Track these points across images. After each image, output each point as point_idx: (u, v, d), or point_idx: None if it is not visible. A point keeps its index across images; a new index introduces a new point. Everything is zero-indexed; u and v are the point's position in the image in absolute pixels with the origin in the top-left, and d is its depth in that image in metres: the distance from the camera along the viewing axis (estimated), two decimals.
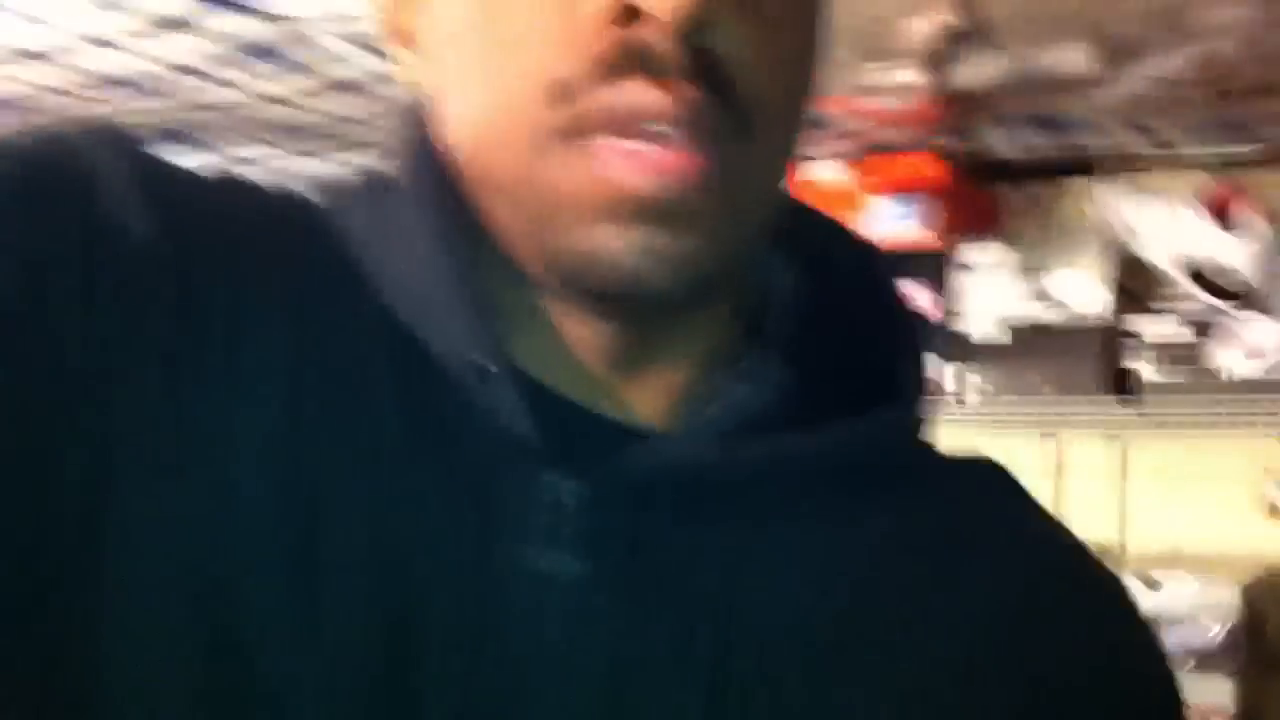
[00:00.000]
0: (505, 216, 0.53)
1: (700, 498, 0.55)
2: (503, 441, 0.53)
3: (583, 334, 0.55)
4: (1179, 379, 2.09)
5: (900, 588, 0.57)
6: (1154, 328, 2.12)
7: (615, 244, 0.50)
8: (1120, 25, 1.64)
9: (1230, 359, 2.06)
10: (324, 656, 0.49)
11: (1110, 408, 2.11)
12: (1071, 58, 1.76)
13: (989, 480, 0.65)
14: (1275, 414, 2.01)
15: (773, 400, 0.56)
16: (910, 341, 0.62)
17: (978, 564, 0.59)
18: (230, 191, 0.57)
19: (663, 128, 0.49)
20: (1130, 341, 2.13)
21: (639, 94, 0.49)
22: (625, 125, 0.49)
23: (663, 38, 0.48)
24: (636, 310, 0.54)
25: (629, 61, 0.49)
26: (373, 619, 0.50)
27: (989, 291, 2.22)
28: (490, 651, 0.52)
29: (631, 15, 0.48)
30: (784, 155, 0.56)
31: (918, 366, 0.61)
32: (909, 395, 0.60)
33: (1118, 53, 1.74)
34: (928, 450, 0.64)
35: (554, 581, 0.52)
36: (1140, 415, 2.10)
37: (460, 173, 0.54)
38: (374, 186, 0.58)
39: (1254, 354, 2.04)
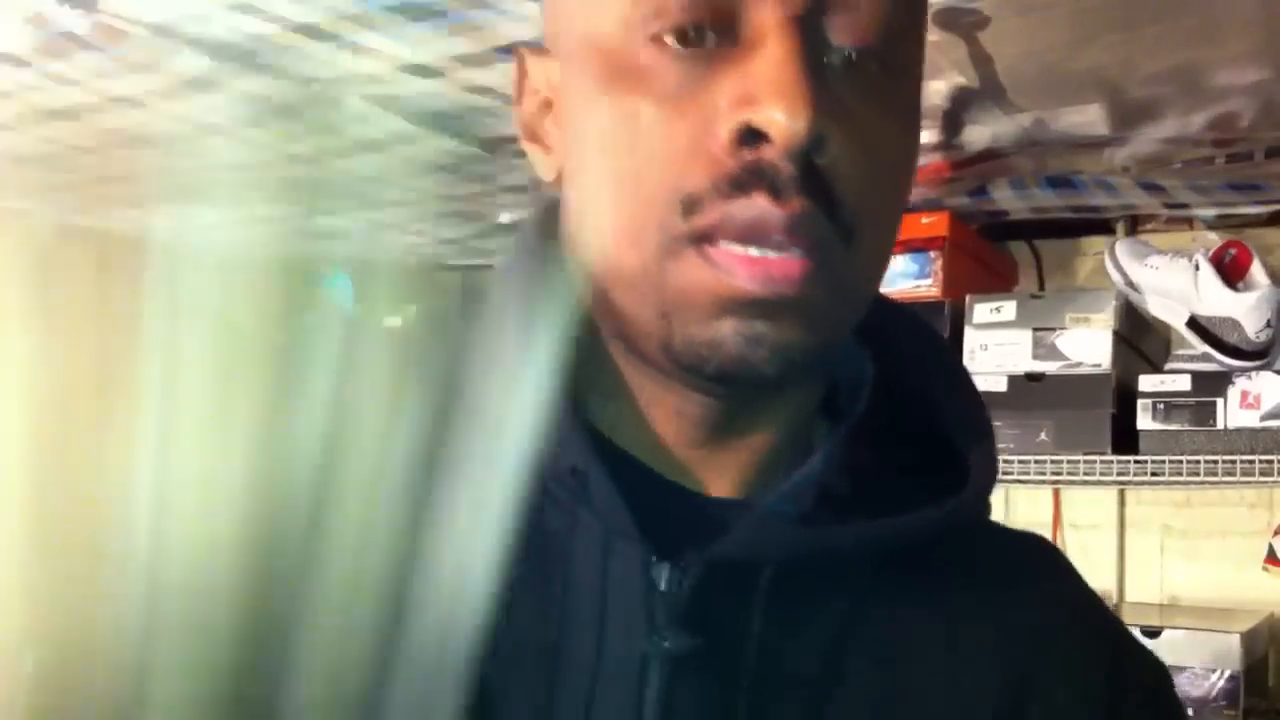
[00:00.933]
0: (631, 307, 0.60)
1: (786, 578, 0.61)
2: (601, 530, 0.60)
3: (683, 410, 0.63)
4: (1181, 431, 2.10)
5: (957, 660, 0.65)
6: (1157, 381, 2.13)
7: (733, 336, 0.57)
8: (1135, 87, 1.65)
9: (1233, 413, 2.07)
10: None
11: (1110, 459, 2.12)
12: (1085, 119, 1.78)
13: (1038, 557, 0.75)
14: (1275, 464, 2.01)
15: (844, 480, 0.63)
16: (984, 427, 0.70)
17: (1019, 631, 0.67)
18: None
19: (778, 237, 0.56)
20: (1133, 394, 2.14)
21: (759, 208, 0.56)
22: (745, 234, 0.56)
23: (781, 159, 0.55)
24: (740, 389, 0.61)
25: (752, 179, 0.56)
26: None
27: (999, 348, 2.23)
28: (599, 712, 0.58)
29: (755, 137, 0.55)
30: (880, 258, 0.62)
31: (989, 452, 0.69)
32: (981, 481, 0.67)
33: (1131, 114, 1.76)
34: (989, 526, 0.73)
35: (654, 661, 0.58)
36: (1139, 464, 2.10)
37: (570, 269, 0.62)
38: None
39: (1257, 408, 2.05)
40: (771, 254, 0.56)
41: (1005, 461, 2.19)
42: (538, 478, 0.55)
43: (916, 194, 2.28)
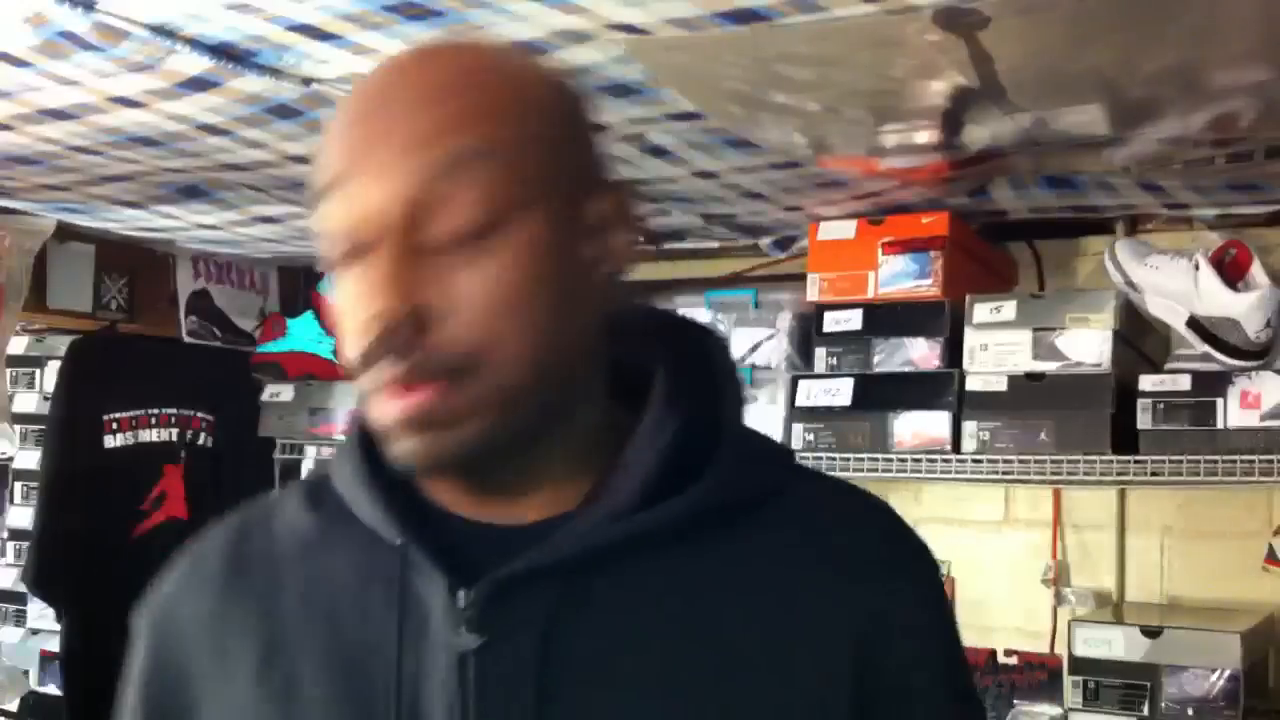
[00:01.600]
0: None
1: (568, 576, 0.85)
2: (423, 573, 0.87)
3: (453, 487, 0.91)
4: (1181, 431, 2.10)
5: (742, 592, 0.88)
6: (1157, 381, 2.13)
7: (408, 447, 0.84)
8: (1135, 87, 1.65)
9: (1233, 413, 2.06)
10: None
11: (1110, 459, 2.12)
12: (1085, 119, 1.78)
13: (825, 491, 0.98)
14: (1275, 464, 2.01)
15: (635, 492, 0.86)
16: (734, 401, 0.95)
17: (800, 554, 0.90)
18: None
19: (407, 380, 0.82)
20: (1133, 394, 2.14)
21: (390, 364, 0.82)
22: (388, 385, 0.82)
23: (385, 334, 0.81)
24: (456, 475, 0.89)
25: (381, 343, 0.81)
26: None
27: (999, 348, 2.23)
28: (429, 700, 0.85)
29: (375, 320, 0.81)
30: (528, 364, 0.83)
31: (737, 428, 0.93)
32: (731, 458, 0.90)
33: (1131, 114, 1.76)
34: (787, 475, 0.96)
35: (466, 654, 0.84)
36: (1139, 464, 2.10)
37: None
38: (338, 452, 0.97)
39: (1257, 408, 2.05)
40: (405, 392, 0.82)
41: (1005, 461, 2.19)
42: (385, 544, 0.89)
43: (916, 194, 2.28)
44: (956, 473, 2.23)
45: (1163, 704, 2.12)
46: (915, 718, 0.91)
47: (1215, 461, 2.05)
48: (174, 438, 3.13)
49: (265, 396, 3.11)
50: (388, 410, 0.83)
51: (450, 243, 0.81)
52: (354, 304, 0.83)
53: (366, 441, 0.91)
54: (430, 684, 0.85)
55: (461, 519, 0.90)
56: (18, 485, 3.45)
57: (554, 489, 0.89)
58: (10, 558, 3.43)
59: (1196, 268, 2.14)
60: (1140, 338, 2.31)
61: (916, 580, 0.94)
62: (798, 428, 2.35)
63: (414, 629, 0.86)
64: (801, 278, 2.45)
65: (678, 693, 0.84)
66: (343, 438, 0.99)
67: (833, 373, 2.36)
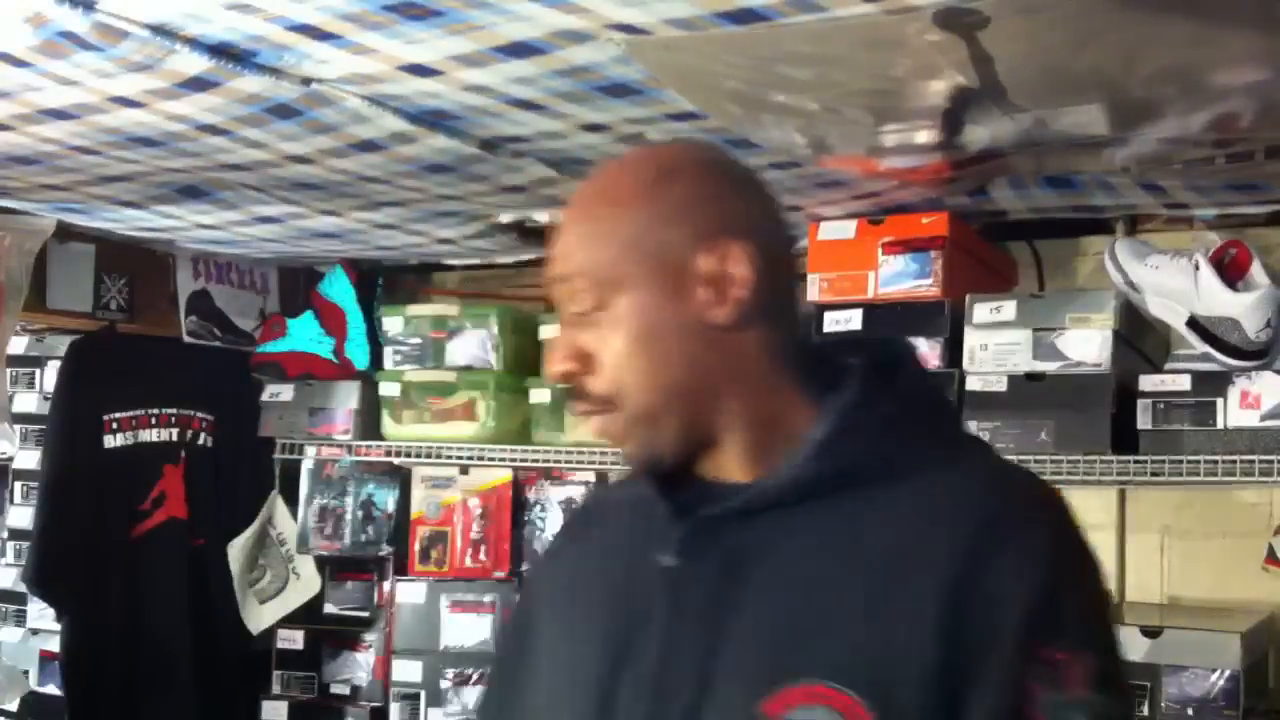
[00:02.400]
0: None
1: (744, 522, 1.17)
2: (659, 513, 1.22)
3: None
4: (1181, 431, 2.10)
5: (871, 549, 1.13)
6: (1157, 381, 2.13)
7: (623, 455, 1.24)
8: (1135, 87, 1.65)
9: (1233, 413, 2.06)
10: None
11: (1110, 459, 2.12)
12: (1085, 119, 1.78)
13: (972, 468, 1.20)
14: (1275, 464, 2.01)
15: (805, 450, 1.17)
16: (872, 406, 1.18)
17: (923, 516, 1.13)
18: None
19: (582, 411, 1.22)
20: (1133, 394, 2.14)
21: (573, 403, 1.24)
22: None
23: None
24: (642, 470, 1.25)
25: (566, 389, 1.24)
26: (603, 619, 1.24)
27: (999, 348, 2.23)
28: (640, 606, 1.20)
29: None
30: (652, 396, 1.18)
31: (878, 418, 1.18)
32: (859, 440, 1.17)
33: (1131, 114, 1.76)
34: (926, 453, 1.18)
35: (665, 570, 1.18)
36: (1139, 464, 2.10)
37: None
38: None
39: (1257, 408, 2.05)
40: (589, 421, 1.22)
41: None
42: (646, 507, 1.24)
43: (916, 194, 2.28)
44: None
45: (1163, 704, 2.12)
46: (986, 676, 1.06)
47: (1215, 461, 2.06)
48: (174, 438, 3.13)
49: (265, 396, 3.11)
50: (590, 427, 1.23)
51: (586, 322, 1.18)
52: None
53: None
54: (646, 590, 1.19)
55: (702, 480, 1.22)
56: (18, 485, 3.45)
57: (754, 459, 1.20)
58: (10, 558, 3.43)
59: (1196, 268, 2.14)
60: (1140, 338, 2.31)
61: (1010, 553, 1.09)
62: None
63: (647, 552, 1.20)
64: (801, 278, 2.45)
65: (794, 605, 1.13)
66: None
67: None
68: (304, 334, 3.09)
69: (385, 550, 3.10)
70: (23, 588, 3.20)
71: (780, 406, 1.20)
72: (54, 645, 3.15)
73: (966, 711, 1.06)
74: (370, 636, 3.12)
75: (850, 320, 2.35)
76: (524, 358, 2.84)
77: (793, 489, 1.15)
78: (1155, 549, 2.49)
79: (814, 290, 2.40)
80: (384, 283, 3.19)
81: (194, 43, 1.58)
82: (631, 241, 1.17)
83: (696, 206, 1.18)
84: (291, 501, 3.18)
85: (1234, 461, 2.04)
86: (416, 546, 3.10)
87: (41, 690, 3.34)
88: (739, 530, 1.16)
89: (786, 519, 1.15)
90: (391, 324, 2.93)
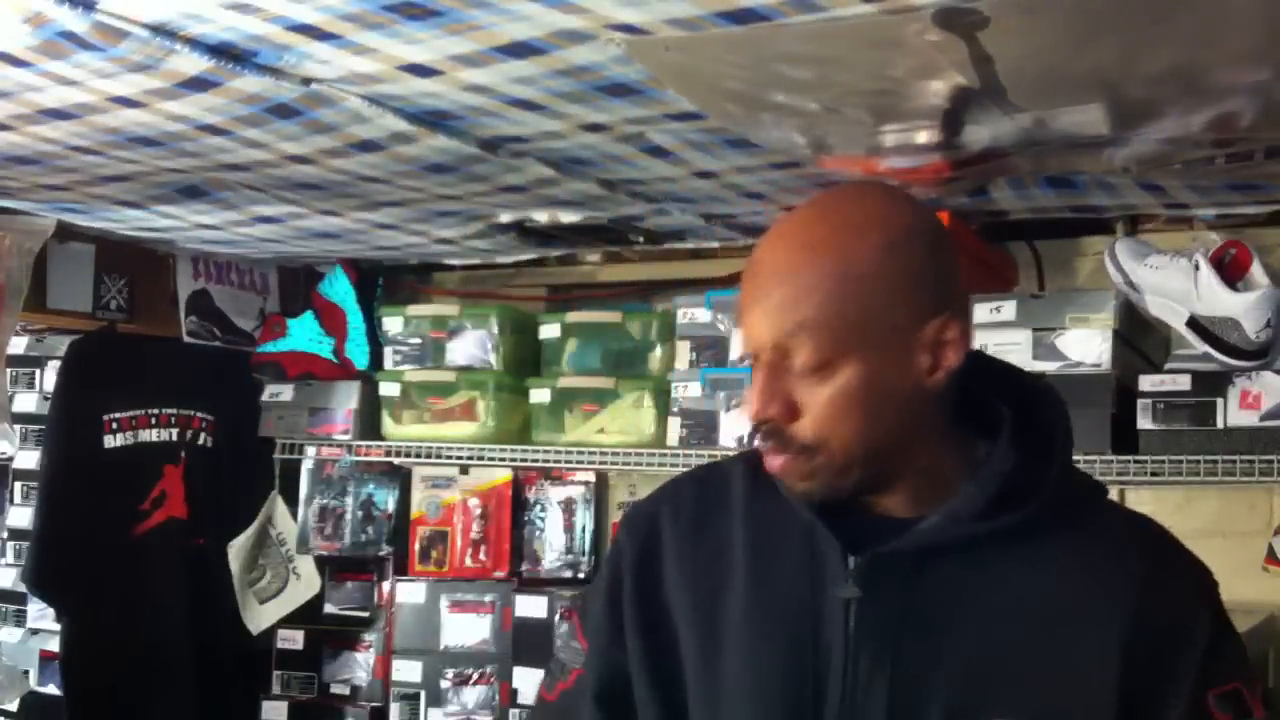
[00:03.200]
0: None
1: (921, 558, 1.25)
2: (824, 541, 1.29)
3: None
4: (1181, 431, 2.10)
5: (1043, 588, 1.23)
6: (1157, 381, 2.13)
7: (785, 486, 1.29)
8: (1135, 87, 1.65)
9: (1233, 413, 2.06)
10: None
11: (1110, 459, 2.12)
12: (1085, 119, 1.78)
13: (1128, 533, 1.32)
14: (1275, 464, 2.01)
15: (976, 508, 1.24)
16: (1064, 449, 1.30)
17: (1094, 568, 1.25)
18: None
19: (773, 450, 1.26)
20: (1133, 394, 2.14)
21: (762, 441, 1.26)
22: (765, 449, 1.26)
23: (753, 423, 1.26)
24: (814, 506, 1.29)
25: (757, 428, 1.26)
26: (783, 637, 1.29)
27: (999, 348, 2.23)
28: (824, 625, 1.27)
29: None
30: (855, 445, 1.24)
31: (1064, 466, 1.30)
32: (1052, 491, 1.25)
33: (1131, 114, 1.76)
34: (1094, 509, 1.33)
35: (849, 600, 1.25)
36: (1139, 464, 2.10)
37: None
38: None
39: (1257, 408, 2.05)
40: (771, 458, 1.26)
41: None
42: (801, 522, 1.31)
43: (917, 194, 2.28)
44: None
45: None
46: (1175, 708, 1.21)
47: (1215, 461, 2.06)
48: (174, 438, 3.13)
49: (265, 396, 3.11)
50: (768, 464, 1.27)
51: (800, 373, 1.22)
52: (750, 392, 1.26)
53: None
54: (825, 619, 1.26)
55: (856, 504, 1.28)
56: (18, 485, 3.46)
57: (917, 498, 1.28)
58: (10, 558, 3.43)
59: (1196, 268, 2.14)
60: (1140, 338, 2.31)
61: (1191, 605, 1.25)
62: None
63: (817, 580, 1.28)
64: None
65: (982, 649, 1.22)
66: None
67: None
68: (304, 334, 3.09)
69: (385, 550, 3.10)
70: (23, 588, 3.20)
71: (945, 454, 1.29)
72: (54, 645, 3.15)
73: None
74: (370, 636, 3.12)
75: None
76: (524, 358, 2.84)
77: (969, 535, 1.24)
78: None
79: None
80: (384, 283, 3.19)
81: (194, 43, 1.58)
82: (867, 312, 1.22)
83: (926, 281, 1.25)
84: (291, 501, 3.18)
85: (1234, 461, 2.04)
86: (416, 546, 3.10)
87: (41, 690, 3.34)
88: (917, 567, 1.25)
89: (963, 560, 1.24)
90: (391, 324, 2.93)
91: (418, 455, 2.88)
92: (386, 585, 3.11)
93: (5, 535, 3.47)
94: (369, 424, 3.00)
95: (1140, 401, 2.13)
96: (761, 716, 1.28)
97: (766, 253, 1.27)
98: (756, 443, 1.27)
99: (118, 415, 3.04)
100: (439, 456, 2.85)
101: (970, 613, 1.23)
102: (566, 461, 2.79)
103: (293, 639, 3.18)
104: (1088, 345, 2.18)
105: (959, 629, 1.23)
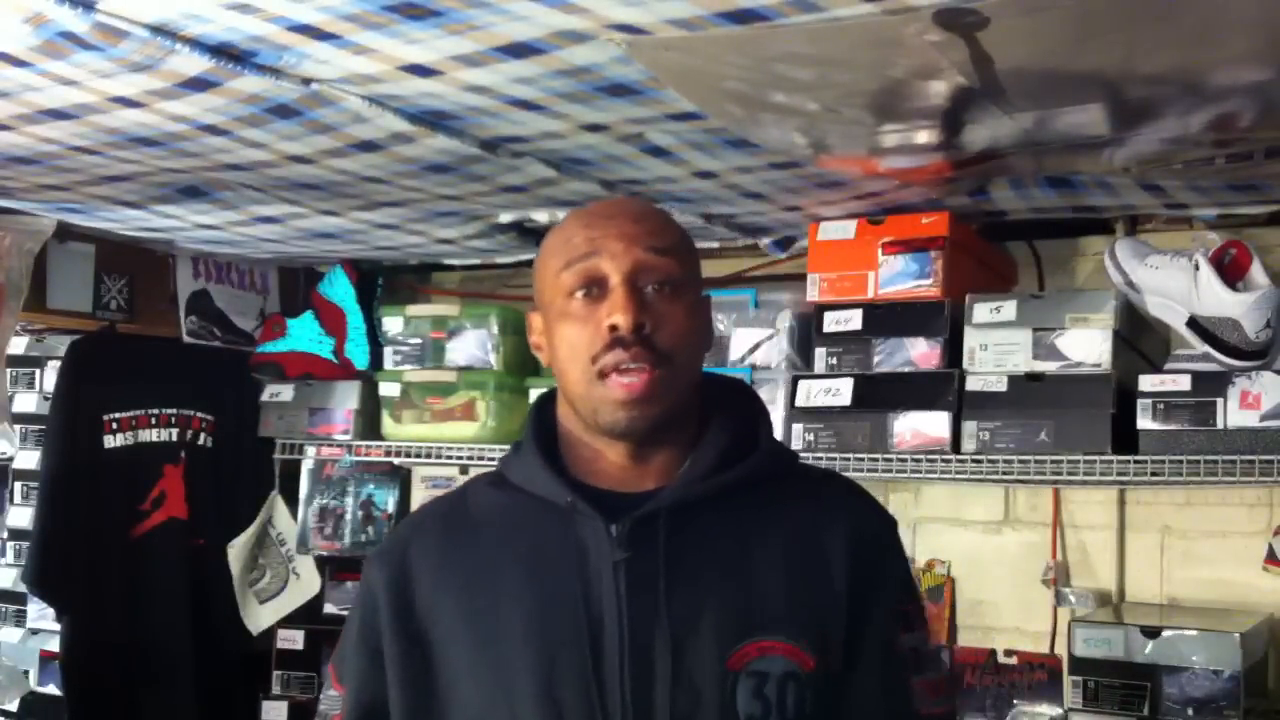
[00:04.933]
0: (583, 409, 1.42)
1: (674, 515, 1.40)
2: (586, 520, 1.40)
3: (617, 452, 1.44)
4: (1181, 431, 2.10)
5: (779, 532, 1.43)
6: (1157, 381, 2.13)
7: (622, 417, 1.39)
8: (1135, 87, 1.65)
9: (1233, 413, 2.06)
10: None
11: (1110, 459, 2.12)
12: (1085, 119, 1.78)
13: (824, 478, 1.59)
14: (1275, 464, 2.01)
15: (709, 465, 1.43)
16: (765, 421, 1.51)
17: (813, 512, 1.46)
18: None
19: (630, 365, 1.37)
20: (1133, 394, 2.14)
21: (620, 355, 1.37)
22: (616, 369, 1.37)
23: (625, 333, 1.36)
24: (638, 437, 1.41)
25: (614, 343, 1.37)
26: (532, 618, 1.40)
27: (999, 348, 2.23)
28: (596, 591, 1.38)
29: (614, 328, 1.37)
30: (690, 367, 1.43)
31: (768, 432, 1.50)
32: (763, 448, 1.47)
33: (1131, 114, 1.76)
34: (795, 468, 1.54)
35: (618, 562, 1.38)
36: (1139, 464, 2.10)
37: (554, 427, 1.50)
38: (518, 448, 1.51)
39: (1257, 408, 2.05)
40: (630, 377, 1.37)
41: (1005, 461, 2.19)
42: (560, 508, 1.42)
43: (916, 194, 2.28)
44: (956, 473, 2.23)
45: (1163, 704, 2.12)
46: (873, 630, 1.42)
47: (1215, 461, 2.06)
48: (174, 438, 3.13)
49: (265, 396, 3.11)
50: (615, 392, 1.38)
51: (655, 293, 1.39)
52: (589, 323, 1.39)
53: (541, 444, 1.47)
54: (594, 585, 1.38)
55: (601, 490, 1.43)
56: (18, 485, 3.46)
57: (658, 470, 1.44)
58: (10, 558, 3.43)
59: (1196, 268, 2.14)
60: (1140, 338, 2.31)
61: (886, 530, 1.51)
62: (798, 428, 2.35)
63: (582, 555, 1.39)
64: (801, 278, 2.45)
65: (739, 577, 1.40)
66: (516, 445, 1.52)
67: (833, 373, 2.36)
68: (304, 334, 3.09)
69: None
70: (23, 588, 3.20)
71: (690, 421, 1.47)
72: (54, 645, 3.15)
73: (859, 649, 1.41)
74: None
75: (850, 320, 2.35)
76: (524, 358, 2.84)
77: (710, 489, 1.42)
78: (1155, 549, 2.49)
79: (814, 290, 2.40)
80: (384, 283, 3.19)
81: (194, 43, 1.58)
82: (695, 258, 1.49)
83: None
84: (291, 501, 3.18)
85: (1234, 461, 2.04)
86: None
87: (41, 690, 3.34)
88: (671, 525, 1.40)
89: (707, 513, 1.41)
90: (391, 324, 2.93)
91: (418, 455, 2.88)
92: None
93: (5, 535, 3.47)
94: (369, 424, 3.00)
95: (1140, 401, 2.13)
96: (544, 683, 1.37)
97: (607, 208, 1.48)
98: (609, 360, 1.37)
99: (118, 415, 3.04)
100: (439, 456, 2.85)
101: (724, 554, 1.40)
102: None
103: (293, 639, 3.18)
104: (1088, 345, 2.18)
105: (717, 569, 1.39)
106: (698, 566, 1.39)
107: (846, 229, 2.39)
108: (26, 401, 3.44)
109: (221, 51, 1.61)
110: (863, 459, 2.27)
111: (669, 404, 1.40)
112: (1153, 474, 2.11)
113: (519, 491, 1.47)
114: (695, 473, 1.43)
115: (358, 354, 3.02)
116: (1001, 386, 2.21)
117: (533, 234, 2.71)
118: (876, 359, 2.33)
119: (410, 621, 1.44)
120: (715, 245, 2.82)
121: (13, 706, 3.33)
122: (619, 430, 1.40)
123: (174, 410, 3.13)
